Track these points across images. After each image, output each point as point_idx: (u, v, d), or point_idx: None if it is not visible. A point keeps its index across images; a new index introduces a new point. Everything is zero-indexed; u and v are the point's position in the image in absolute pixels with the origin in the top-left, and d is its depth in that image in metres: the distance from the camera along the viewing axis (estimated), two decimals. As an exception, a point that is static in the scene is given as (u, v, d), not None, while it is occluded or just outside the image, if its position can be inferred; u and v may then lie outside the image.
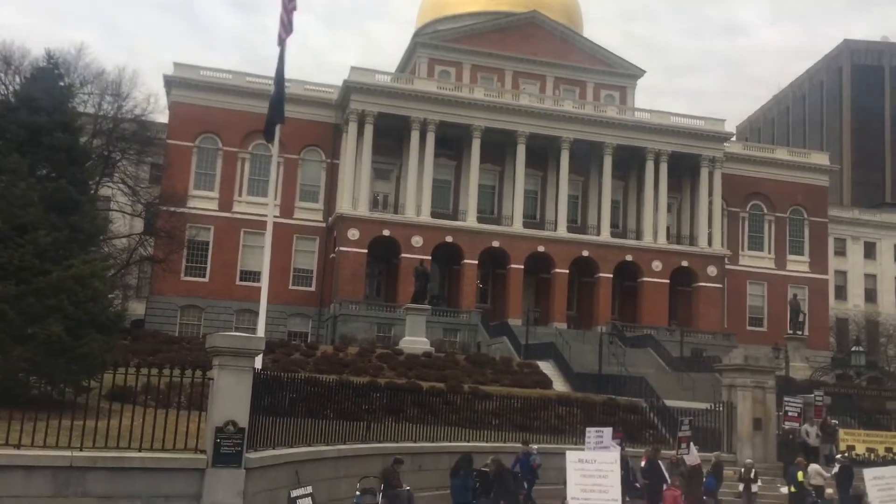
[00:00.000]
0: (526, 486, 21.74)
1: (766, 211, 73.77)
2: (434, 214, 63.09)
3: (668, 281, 65.50)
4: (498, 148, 66.03)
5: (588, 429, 22.11)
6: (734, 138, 79.21)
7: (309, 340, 56.22)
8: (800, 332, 58.01)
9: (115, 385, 16.70)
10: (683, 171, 69.49)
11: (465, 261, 62.31)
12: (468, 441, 23.35)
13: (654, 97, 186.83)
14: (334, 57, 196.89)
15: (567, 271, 64.17)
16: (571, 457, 15.34)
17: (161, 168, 59.22)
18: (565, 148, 65.14)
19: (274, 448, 15.20)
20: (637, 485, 23.85)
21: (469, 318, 59.50)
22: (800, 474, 24.08)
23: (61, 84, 22.66)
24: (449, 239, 62.30)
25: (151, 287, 59.74)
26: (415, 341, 43.65)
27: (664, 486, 21.77)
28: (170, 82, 63.76)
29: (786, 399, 30.75)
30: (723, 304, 67.97)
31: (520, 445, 22.69)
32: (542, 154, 66.92)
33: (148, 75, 75.22)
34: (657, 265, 65.52)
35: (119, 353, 21.40)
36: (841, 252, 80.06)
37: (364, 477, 18.30)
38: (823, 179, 76.20)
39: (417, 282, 46.86)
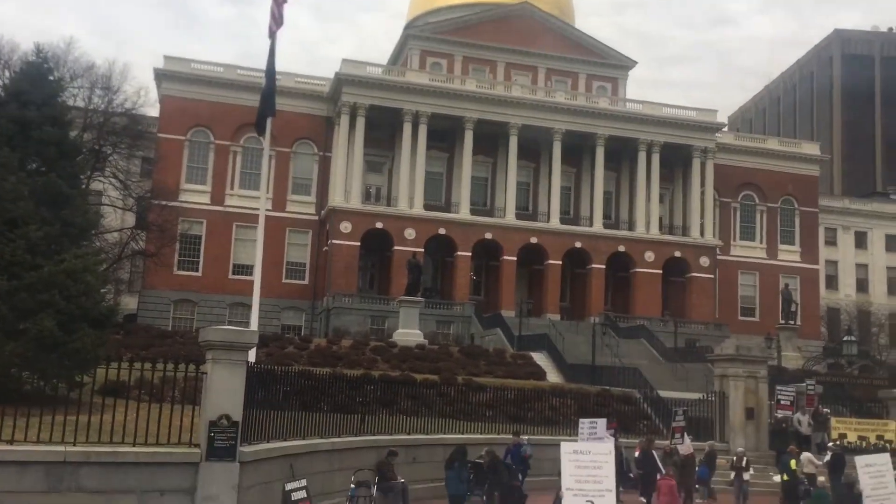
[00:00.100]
0: (521, 477, 21.81)
1: (757, 201, 74.00)
2: (427, 207, 63.05)
3: (660, 271, 65.69)
4: (490, 140, 66.00)
5: (581, 419, 22.19)
6: (726, 129, 79.36)
7: (302, 333, 56.18)
8: (791, 322, 58.31)
9: (108, 380, 16.67)
10: (675, 161, 69.62)
11: (458, 253, 62.34)
12: (462, 433, 23.41)
13: (645, 88, 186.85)
14: (326, 50, 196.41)
15: (560, 262, 64.28)
16: (566, 448, 15.38)
17: (152, 162, 58.93)
18: (557, 139, 65.13)
19: (268, 441, 15.20)
20: (631, 475, 24.00)
21: (462, 309, 59.57)
22: (792, 462, 24.22)
23: (51, 78, 22.54)
24: (442, 231, 62.30)
25: (144, 281, 59.60)
26: (408, 334, 43.71)
27: (658, 476, 21.88)
28: (160, 76, 63.46)
29: (778, 388, 30.92)
30: (715, 294, 68.22)
31: (510, 437, 22.77)
32: (535, 145, 66.92)
33: (138, 69, 74.99)
34: (650, 256, 65.68)
35: (112, 347, 21.37)
36: (832, 242, 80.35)
37: (358, 469, 18.32)
38: (814, 169, 76.45)
39: (410, 274, 46.89)
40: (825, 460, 25.33)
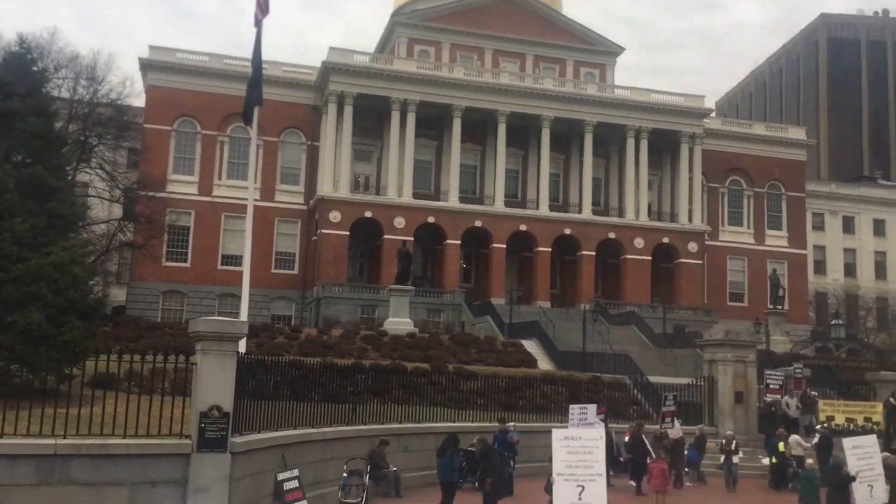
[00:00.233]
0: (513, 464, 21.95)
1: (744, 186, 74.27)
2: (416, 195, 62.97)
3: (649, 258, 65.90)
4: (479, 127, 65.90)
5: (571, 406, 22.32)
6: (713, 114, 79.47)
7: (293, 323, 56.11)
8: (780, 307, 58.68)
9: (97, 372, 16.61)
10: (664, 147, 69.75)
11: (448, 241, 62.33)
12: (454, 421, 23.50)
13: (634, 74, 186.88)
14: (313, 38, 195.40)
15: (549, 250, 64.38)
16: (557, 434, 15.52)
17: (139, 153, 58.54)
18: (546, 126, 65.10)
19: (259, 432, 15.19)
20: (621, 459, 24.23)
21: (452, 298, 59.64)
22: (781, 445, 24.48)
23: (35, 69, 22.34)
24: (431, 219, 62.26)
25: (132, 273, 59.33)
26: (399, 322, 43.74)
27: (649, 460, 22.07)
28: (146, 66, 62.96)
29: (767, 372, 31.16)
30: (703, 280, 68.51)
31: (496, 424, 22.89)
32: (523, 133, 66.86)
33: (124, 59, 73.96)
34: (639, 242, 65.88)
35: (101, 339, 21.30)
36: (819, 227, 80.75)
37: (351, 459, 18.36)
38: (801, 154, 76.71)
39: (400, 263, 46.88)
40: (813, 443, 25.59)
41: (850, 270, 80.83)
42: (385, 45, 74.56)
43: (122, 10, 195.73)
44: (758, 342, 36.05)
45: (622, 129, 66.96)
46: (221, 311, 56.05)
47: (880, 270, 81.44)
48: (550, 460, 15.70)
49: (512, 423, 23.08)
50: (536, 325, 47.45)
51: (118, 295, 59.10)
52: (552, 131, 65.38)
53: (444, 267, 62.46)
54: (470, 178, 66.89)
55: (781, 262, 72.30)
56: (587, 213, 65.93)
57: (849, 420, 28.70)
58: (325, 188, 61.40)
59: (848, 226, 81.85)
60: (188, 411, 13.92)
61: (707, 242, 69.05)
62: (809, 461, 20.95)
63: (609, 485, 17.71)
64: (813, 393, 31.63)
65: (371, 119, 63.99)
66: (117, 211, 53.17)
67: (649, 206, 68.79)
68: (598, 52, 74.47)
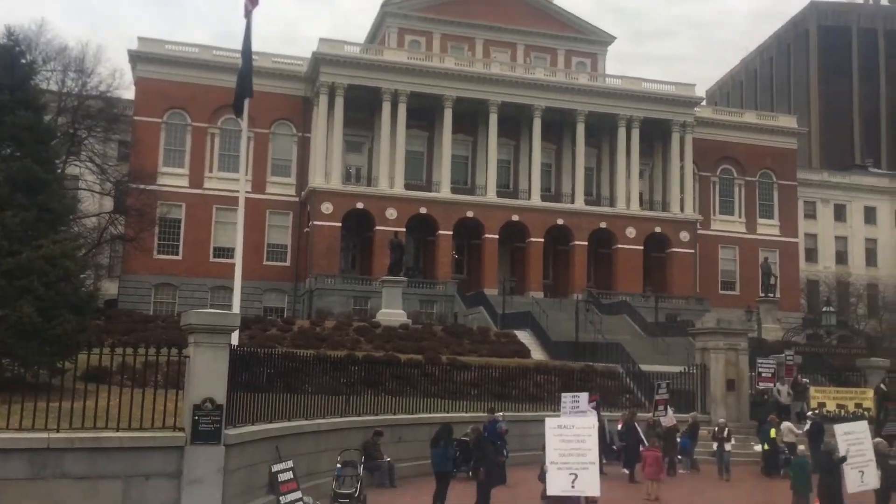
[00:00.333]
0: (506, 453, 22.02)
1: (736, 175, 74.43)
2: (407, 186, 62.91)
3: (641, 247, 66.05)
4: (470, 117, 65.82)
5: (563, 394, 22.38)
6: (704, 103, 79.52)
7: (285, 315, 56.10)
8: (771, 295, 58.94)
9: (90, 366, 16.59)
10: (655, 136, 69.80)
11: (440, 232, 62.32)
12: (447, 412, 23.53)
13: (625, 63, 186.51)
14: (303, 29, 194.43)
15: (542, 240, 64.44)
16: (550, 423, 15.58)
17: (129, 145, 58.28)
18: (537, 116, 65.06)
19: (253, 424, 15.19)
20: (614, 447, 24.35)
21: (445, 288, 59.66)
22: (772, 432, 24.63)
23: (23, 61, 22.13)
24: (423, 210, 62.22)
25: (124, 266, 59.15)
26: (391, 313, 43.75)
27: (642, 448, 22.17)
28: (135, 57, 62.59)
29: (759, 361, 31.28)
30: (695, 268, 68.73)
31: (485, 414, 22.94)
32: (515, 123, 66.80)
33: (113, 51, 73.19)
34: (631, 232, 66.01)
35: (93, 333, 21.24)
36: (811, 215, 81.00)
37: (344, 450, 18.40)
38: (792, 142, 76.88)
39: (392, 254, 46.87)
40: (805, 429, 25.75)
41: (841, 258, 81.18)
42: (375, 35, 74.29)
43: (109, 1, 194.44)
44: (749, 330, 36.14)
45: (613, 118, 66.97)
46: (214, 304, 56.00)
47: (871, 258, 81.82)
48: (544, 449, 15.76)
49: (501, 413, 23.15)
50: (529, 315, 47.51)
51: (110, 288, 58.91)
52: (544, 121, 65.33)
53: (436, 258, 62.46)
54: (462, 168, 66.84)
55: (773, 250, 72.58)
56: (579, 203, 65.98)
57: (840, 406, 28.85)
58: (316, 180, 61.26)
59: (839, 214, 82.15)
60: (181, 404, 13.91)
61: (699, 231, 69.22)
62: (801, 448, 21.07)
63: (602, 473, 17.81)
64: (804, 380, 31.81)
65: (362, 110, 63.82)
66: (108, 204, 52.94)
67: (641, 195, 68.90)
68: (589, 41, 74.37)
